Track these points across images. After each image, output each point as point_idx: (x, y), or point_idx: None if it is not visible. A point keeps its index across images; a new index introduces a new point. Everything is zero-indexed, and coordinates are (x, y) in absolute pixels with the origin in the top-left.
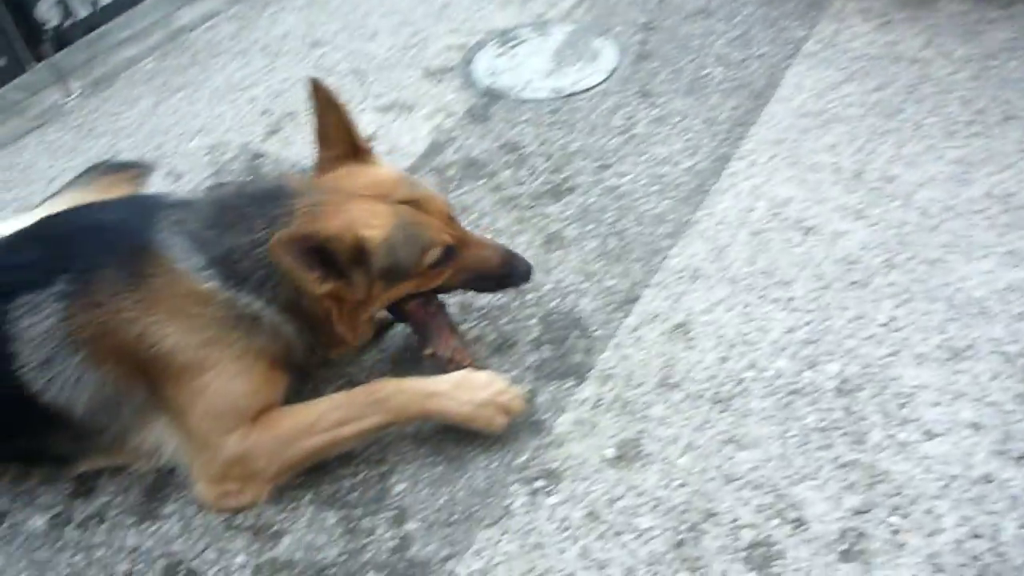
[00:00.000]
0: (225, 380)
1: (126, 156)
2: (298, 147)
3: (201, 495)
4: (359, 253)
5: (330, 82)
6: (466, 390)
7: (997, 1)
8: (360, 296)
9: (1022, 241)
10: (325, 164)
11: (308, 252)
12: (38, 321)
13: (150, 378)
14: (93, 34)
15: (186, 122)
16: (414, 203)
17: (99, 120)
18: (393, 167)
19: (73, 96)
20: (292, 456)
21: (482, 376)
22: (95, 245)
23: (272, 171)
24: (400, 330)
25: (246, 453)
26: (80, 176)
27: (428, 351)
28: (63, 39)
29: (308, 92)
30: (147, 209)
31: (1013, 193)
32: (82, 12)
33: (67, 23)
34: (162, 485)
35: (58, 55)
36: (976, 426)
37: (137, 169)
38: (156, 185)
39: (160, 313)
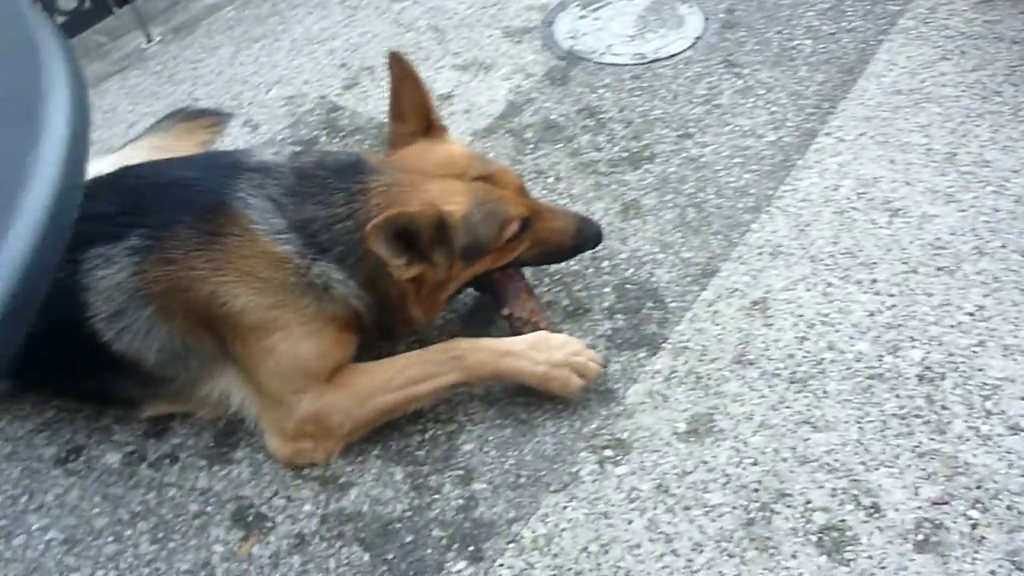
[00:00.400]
0: (294, 341)
1: (204, 104)
2: (375, 102)
3: (275, 451)
4: (441, 232)
5: (409, 38)
6: (542, 350)
7: None
8: (441, 276)
9: None
10: (398, 139)
11: (396, 236)
12: (111, 274)
13: (220, 333)
14: None
15: (264, 72)
16: (488, 179)
17: (179, 67)
18: (464, 145)
19: (154, 42)
20: (367, 413)
21: (558, 337)
22: (172, 201)
23: (349, 124)
24: (469, 292)
25: (321, 411)
26: (160, 122)
27: (505, 311)
28: None
29: (388, 65)
30: (227, 169)
31: None
32: None
33: None
34: (233, 431)
35: (141, 0)
36: None
37: (215, 117)
38: (233, 135)
39: (232, 273)
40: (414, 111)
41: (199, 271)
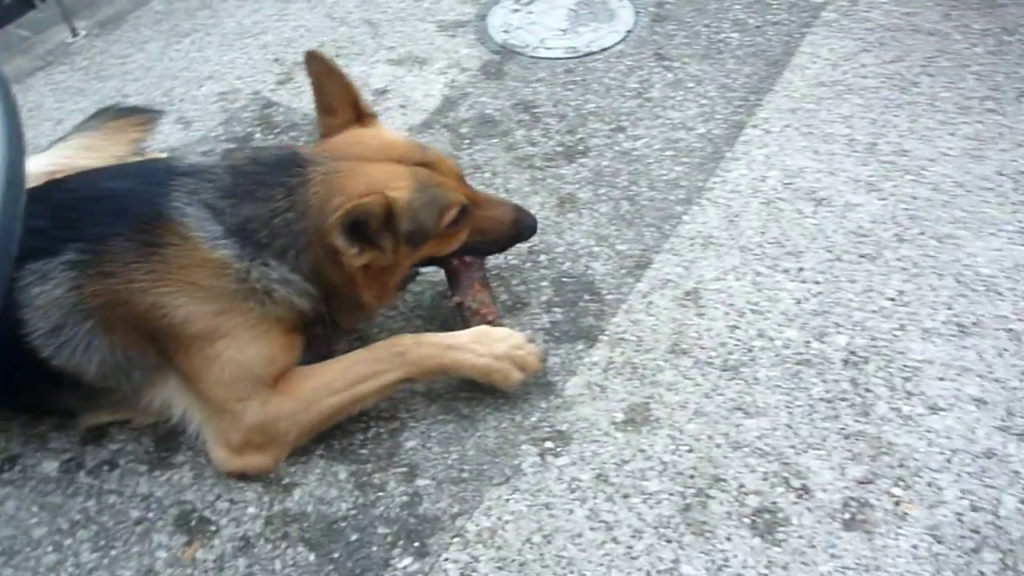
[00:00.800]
0: (239, 347)
1: (134, 100)
2: (309, 97)
3: (220, 462)
4: (388, 217)
5: (342, 32)
6: (484, 343)
7: None
8: (388, 261)
9: None
10: (329, 132)
11: (349, 226)
12: (47, 290)
13: (162, 344)
14: None
15: (196, 67)
16: (427, 165)
17: (107, 62)
18: (399, 132)
19: (80, 36)
20: (314, 417)
21: (501, 330)
22: (107, 213)
23: (284, 120)
24: (412, 289)
25: (267, 419)
26: (89, 120)
27: (456, 300)
28: None
29: (306, 64)
30: (160, 177)
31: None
32: None
33: None
34: (173, 434)
35: None
36: (980, 402)
37: (146, 115)
38: (165, 132)
39: (173, 283)
40: (342, 103)
41: (139, 283)
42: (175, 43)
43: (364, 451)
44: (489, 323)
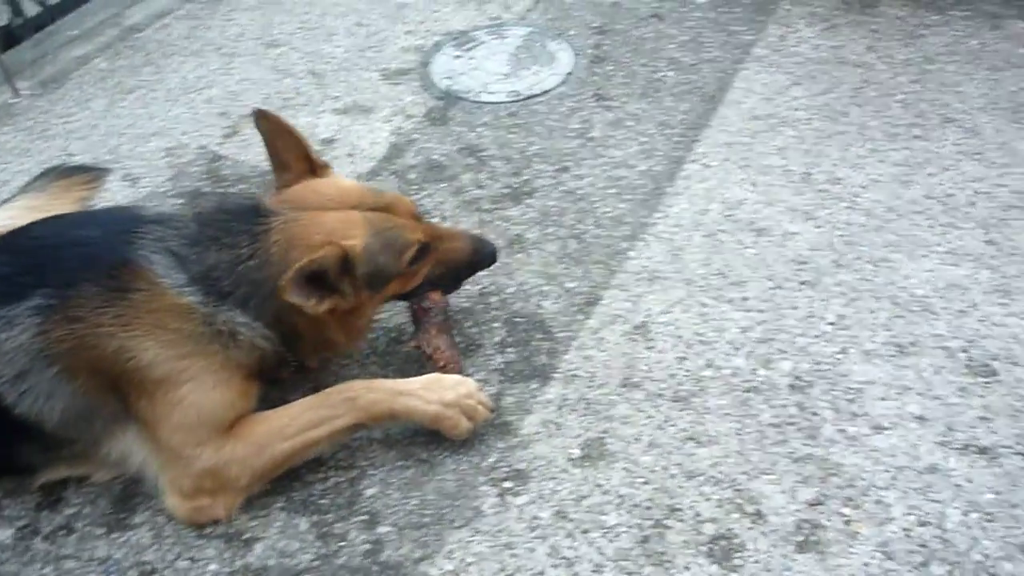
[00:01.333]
0: (201, 393)
1: (80, 159)
2: (257, 149)
3: (173, 509)
4: (345, 264)
5: (287, 84)
6: (434, 391)
7: (934, 6)
8: (351, 304)
9: (961, 241)
10: (285, 185)
11: (305, 281)
12: (12, 335)
13: (124, 390)
14: (41, 33)
15: (141, 124)
16: (383, 209)
17: (50, 121)
18: (352, 180)
19: (23, 96)
20: (265, 463)
21: (452, 378)
22: (75, 260)
23: (232, 174)
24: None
25: (219, 464)
26: (35, 180)
27: (413, 343)
28: (11, 38)
29: (255, 122)
30: (126, 224)
31: (952, 194)
32: (31, 10)
33: (15, 22)
34: (130, 494)
35: (6, 54)
36: (921, 419)
37: (92, 173)
38: (112, 190)
39: (139, 327)
40: (294, 158)
41: (106, 327)
42: (120, 100)
43: (324, 501)
44: (442, 368)
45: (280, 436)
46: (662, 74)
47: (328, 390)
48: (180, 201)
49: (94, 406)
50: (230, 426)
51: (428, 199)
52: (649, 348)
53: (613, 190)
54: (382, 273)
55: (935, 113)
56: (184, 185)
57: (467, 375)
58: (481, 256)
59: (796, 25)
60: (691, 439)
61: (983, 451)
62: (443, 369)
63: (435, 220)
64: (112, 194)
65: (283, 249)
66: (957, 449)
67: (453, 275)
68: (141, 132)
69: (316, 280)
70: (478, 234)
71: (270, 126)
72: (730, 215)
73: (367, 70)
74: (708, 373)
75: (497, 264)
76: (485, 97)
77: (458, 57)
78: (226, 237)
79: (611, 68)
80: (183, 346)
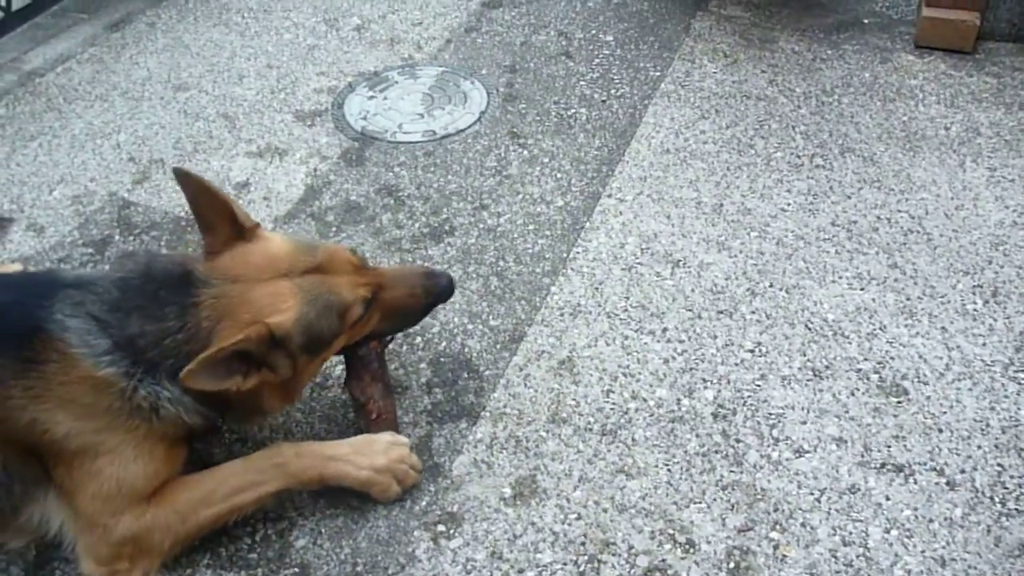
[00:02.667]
0: (122, 464)
1: None
2: (168, 195)
3: (89, 575)
4: (273, 341)
5: (199, 128)
6: (366, 455)
7: (828, 41)
8: (287, 375)
9: (866, 265)
10: (213, 246)
11: (218, 366)
12: None
13: (42, 459)
14: None
15: (45, 172)
16: (318, 268)
17: None
18: (283, 236)
19: None
20: (190, 529)
21: (383, 439)
22: None
23: (143, 220)
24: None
25: (139, 532)
26: None
27: (345, 390)
28: None
29: (176, 181)
30: (42, 288)
31: (855, 221)
32: None
33: None
34: (46, 560)
35: None
36: (840, 440)
37: None
38: (16, 241)
39: (51, 400)
40: (220, 219)
41: (17, 400)
42: (21, 148)
43: (253, 555)
44: (375, 420)
45: (205, 503)
46: (574, 111)
47: (256, 454)
48: (89, 251)
49: (13, 472)
50: (153, 492)
51: (347, 241)
52: (575, 383)
53: (532, 226)
54: (322, 338)
55: (835, 143)
56: (92, 234)
57: (399, 420)
58: (436, 294)
59: (700, 61)
60: (621, 472)
61: (899, 469)
62: (376, 420)
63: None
64: (16, 245)
65: (212, 324)
66: (875, 468)
67: (408, 318)
68: (46, 180)
69: (240, 357)
70: (427, 269)
71: (192, 186)
72: (647, 248)
73: (280, 112)
74: (634, 405)
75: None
76: (401, 137)
77: (372, 97)
78: (152, 306)
79: (524, 106)
80: (100, 419)
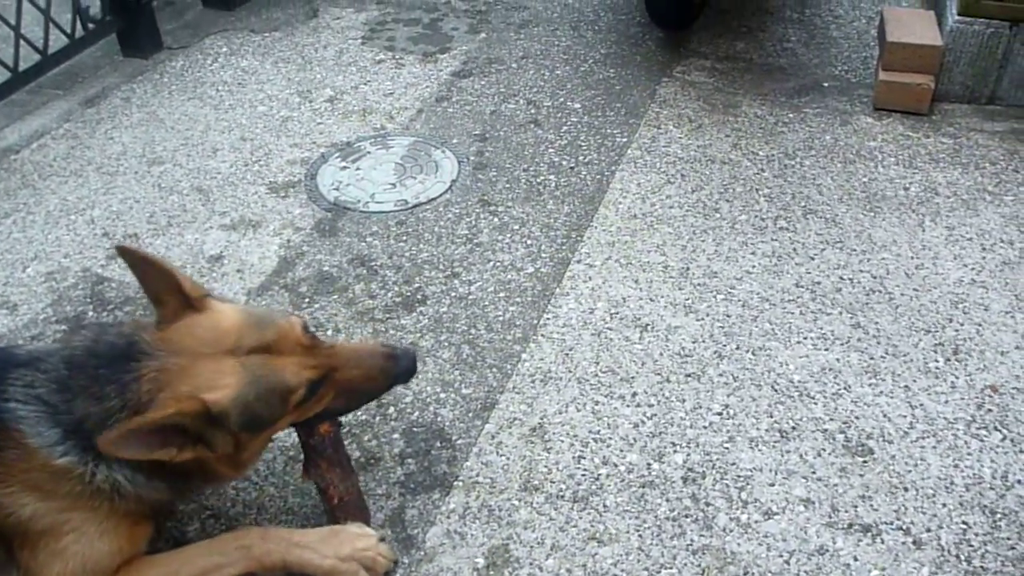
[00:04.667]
0: (87, 543)
1: None
2: None
3: None
4: (209, 418)
5: (173, 201)
6: (331, 544)
7: (789, 104)
8: (228, 450)
9: (830, 326)
10: (164, 318)
11: (147, 437)
12: None
13: (6, 539)
14: None
15: (19, 249)
16: (266, 347)
17: None
18: (236, 310)
19: None
20: None
21: (351, 531)
22: None
23: (117, 296)
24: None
25: None
26: None
27: (303, 476)
28: None
29: (121, 258)
30: None
31: (818, 282)
32: None
33: None
34: None
35: None
36: (807, 501)
37: None
38: None
39: (14, 485)
40: (167, 291)
41: None
42: None
43: None
44: (335, 505)
45: None
46: (543, 178)
47: (223, 536)
48: (62, 328)
49: None
50: (117, 570)
51: (320, 312)
52: (547, 450)
53: (503, 293)
54: (262, 419)
55: (797, 205)
56: (66, 310)
57: (367, 491)
58: (394, 374)
59: (666, 126)
60: (593, 539)
61: (866, 529)
62: (339, 504)
63: (328, 332)
64: None
65: (152, 398)
66: (843, 529)
67: (364, 397)
68: (19, 257)
69: (174, 430)
70: (387, 350)
71: (136, 261)
72: (616, 312)
73: (253, 184)
74: (605, 471)
75: None
76: (373, 207)
77: (344, 168)
78: (95, 386)
79: (494, 174)
80: (63, 501)
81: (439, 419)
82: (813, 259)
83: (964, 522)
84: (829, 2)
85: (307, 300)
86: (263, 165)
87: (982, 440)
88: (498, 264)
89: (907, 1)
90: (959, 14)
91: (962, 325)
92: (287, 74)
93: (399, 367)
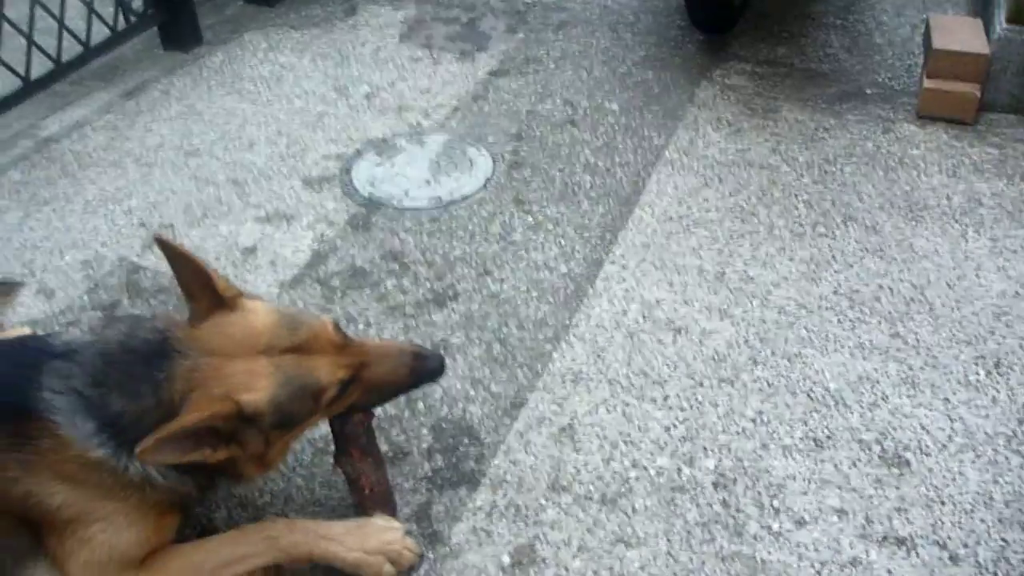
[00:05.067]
0: (115, 532)
1: None
2: None
3: None
4: (243, 418)
5: (209, 193)
6: (357, 536)
7: (830, 111)
8: (259, 449)
9: (868, 335)
10: (197, 315)
11: (183, 441)
12: None
13: (34, 528)
14: None
15: (58, 236)
16: (298, 347)
17: None
18: (268, 309)
19: None
20: None
21: (377, 523)
22: None
23: (152, 285)
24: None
25: None
26: None
27: (336, 464)
28: None
29: (159, 249)
30: (32, 358)
31: (857, 290)
32: None
33: None
34: None
35: None
36: (841, 512)
37: (5, 287)
38: (27, 304)
39: (46, 475)
40: (201, 289)
41: (12, 472)
42: (35, 212)
43: None
44: (366, 495)
45: (196, 572)
46: (579, 178)
47: (249, 527)
48: (98, 315)
49: (4, 544)
50: (144, 560)
51: (352, 306)
52: (576, 450)
53: (535, 293)
54: (294, 417)
55: (837, 212)
56: (102, 298)
57: (395, 486)
58: (420, 374)
59: (704, 129)
60: (620, 541)
61: (901, 542)
62: (370, 495)
63: (360, 326)
64: (27, 309)
65: (182, 399)
66: (876, 541)
67: (390, 395)
68: (57, 244)
69: (209, 432)
70: (416, 349)
71: (173, 255)
72: (649, 315)
73: (288, 178)
74: (634, 473)
75: None
76: (407, 203)
77: (379, 164)
78: (130, 383)
79: (529, 173)
80: (94, 491)
81: (468, 416)
82: (852, 267)
83: (1003, 539)
84: (873, 8)
85: (339, 294)
86: (298, 159)
87: (1023, 456)
88: (531, 263)
89: (954, 8)
90: (1008, 22)
91: (1004, 338)
92: (325, 70)
93: (427, 367)
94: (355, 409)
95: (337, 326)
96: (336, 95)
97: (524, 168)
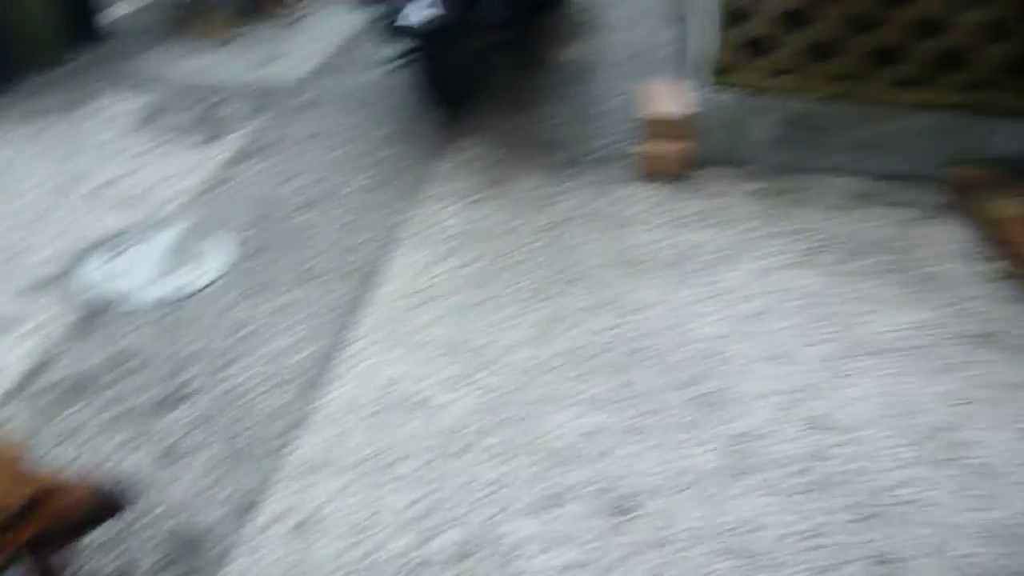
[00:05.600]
0: None
1: None
2: None
3: None
4: None
5: None
6: None
7: (560, 177)
8: None
9: (597, 388)
10: None
11: None
12: None
13: None
14: None
15: None
16: None
17: None
18: None
19: None
20: None
21: None
22: None
23: None
24: None
25: None
26: None
27: None
28: None
29: None
30: None
31: (583, 346)
32: None
33: None
34: None
35: None
36: (582, 564)
37: None
38: None
39: None
40: None
41: None
42: None
43: None
44: None
45: None
46: (323, 258)
47: None
48: None
49: None
50: None
51: (75, 416)
52: (318, 540)
53: (275, 381)
54: None
55: (568, 272)
56: None
57: None
58: (103, 510)
59: (446, 201)
60: None
61: None
62: None
63: (83, 439)
64: None
65: None
66: None
67: (73, 530)
68: None
69: None
70: (97, 487)
71: None
72: (390, 392)
73: (4, 282)
74: (381, 555)
75: (152, 480)
76: (137, 302)
77: (107, 262)
78: None
79: (269, 258)
80: None
81: (200, 522)
82: (577, 325)
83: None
84: (589, 82)
85: (61, 406)
86: (16, 263)
87: (739, 486)
88: (272, 351)
89: (662, 74)
90: (709, 85)
91: (714, 377)
92: (50, 165)
93: (109, 502)
94: (43, 544)
95: (25, 453)
96: (62, 191)
97: (266, 253)
